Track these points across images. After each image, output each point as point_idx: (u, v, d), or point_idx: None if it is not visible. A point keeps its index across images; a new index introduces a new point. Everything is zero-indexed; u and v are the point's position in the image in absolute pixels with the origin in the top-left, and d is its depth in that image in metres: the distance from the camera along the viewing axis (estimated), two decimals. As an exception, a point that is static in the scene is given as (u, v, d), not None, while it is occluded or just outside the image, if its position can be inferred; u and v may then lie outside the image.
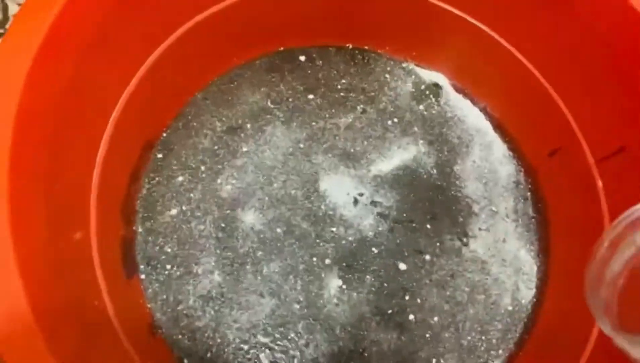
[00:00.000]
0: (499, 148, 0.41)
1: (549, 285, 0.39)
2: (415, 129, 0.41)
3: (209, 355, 0.34)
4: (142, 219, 0.36)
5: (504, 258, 0.38)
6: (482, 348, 0.36)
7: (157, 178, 0.37)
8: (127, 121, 0.38)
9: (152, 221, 0.36)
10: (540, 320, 0.38)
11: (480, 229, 0.38)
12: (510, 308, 0.37)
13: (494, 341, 0.36)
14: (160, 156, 0.37)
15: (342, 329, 0.35)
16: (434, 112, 0.42)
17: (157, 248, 0.35)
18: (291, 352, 0.34)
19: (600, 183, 0.36)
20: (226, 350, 0.34)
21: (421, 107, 0.42)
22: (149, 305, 0.34)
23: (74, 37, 0.32)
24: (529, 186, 0.41)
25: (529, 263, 0.38)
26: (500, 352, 0.36)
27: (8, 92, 0.25)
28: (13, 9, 0.44)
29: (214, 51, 0.44)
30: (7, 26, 0.47)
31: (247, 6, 0.39)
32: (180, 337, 0.37)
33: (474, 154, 0.41)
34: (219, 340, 0.34)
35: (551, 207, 0.40)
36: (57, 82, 0.30)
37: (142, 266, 0.34)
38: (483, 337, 0.36)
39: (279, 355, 0.36)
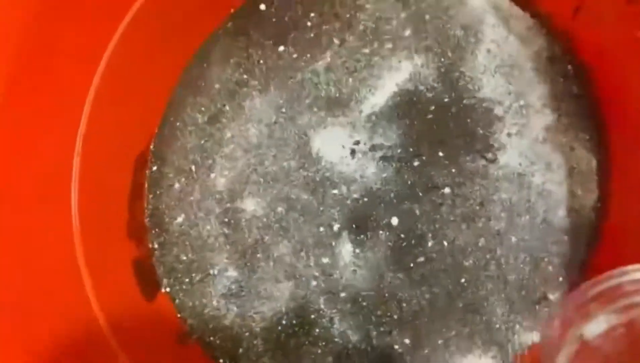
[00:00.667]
0: (519, 21, 0.35)
1: (615, 182, 0.32)
2: (406, 39, 0.37)
3: (240, 350, 0.36)
4: (154, 235, 0.39)
5: (548, 161, 0.33)
6: (537, 281, 0.33)
7: (157, 191, 0.40)
8: (97, 147, 0.41)
9: (164, 234, 0.39)
10: (611, 232, 0.33)
11: (509, 135, 0.34)
12: (566, 223, 0.32)
13: (550, 268, 0.32)
14: (155, 168, 0.39)
15: (365, 296, 0.35)
16: (426, 8, 0.37)
17: (174, 258, 0.38)
18: (316, 330, 0.35)
19: None
20: (254, 342, 0.37)
21: (409, 8, 0.37)
22: (179, 315, 0.37)
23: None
24: (569, 58, 0.33)
25: (584, 159, 0.33)
26: (561, 279, 0.32)
27: None
28: None
29: (172, 36, 0.45)
30: None
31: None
32: (212, 338, 0.42)
33: (486, 40, 0.36)
34: (247, 334, 0.36)
35: (601, 76, 0.33)
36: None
37: (165, 280, 0.38)
38: (535, 267, 0.32)
39: (303, 338, 0.41)
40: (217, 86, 0.48)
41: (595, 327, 0.25)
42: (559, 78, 0.40)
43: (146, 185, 0.47)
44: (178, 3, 0.44)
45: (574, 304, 0.26)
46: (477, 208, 0.40)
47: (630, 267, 0.25)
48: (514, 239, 0.39)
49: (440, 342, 0.39)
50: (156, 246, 0.46)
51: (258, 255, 0.44)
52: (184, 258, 0.46)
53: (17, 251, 0.35)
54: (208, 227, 0.46)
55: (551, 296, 0.38)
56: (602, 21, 0.35)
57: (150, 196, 0.47)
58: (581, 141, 0.39)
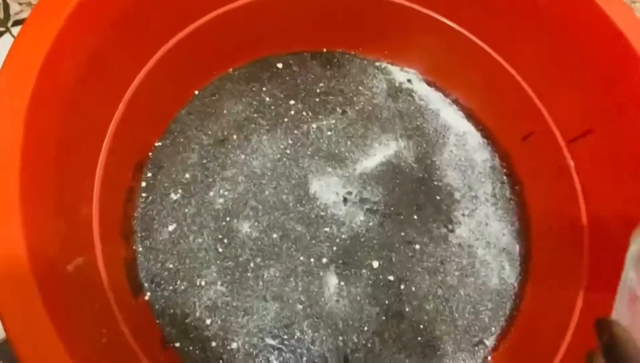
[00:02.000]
0: (473, 137, 0.45)
1: (532, 262, 0.43)
2: (394, 125, 0.44)
3: (221, 362, 0.36)
4: (140, 239, 0.38)
5: (488, 240, 0.42)
6: (477, 327, 0.40)
7: (150, 197, 0.39)
8: (118, 144, 0.42)
9: (150, 239, 0.38)
10: (527, 296, 0.43)
11: (463, 215, 0.42)
12: (498, 287, 0.41)
13: (486, 320, 0.40)
14: (150, 175, 0.39)
15: (344, 323, 0.38)
16: (410, 107, 0.46)
17: (159, 265, 0.38)
18: (299, 350, 0.37)
19: (572, 163, 0.40)
20: (237, 356, 0.37)
21: (397, 103, 0.46)
22: (157, 321, 0.36)
23: (68, 68, 0.35)
24: (505, 170, 0.44)
25: (511, 243, 0.42)
26: (493, 329, 0.40)
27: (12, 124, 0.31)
28: (14, 8, 0.45)
29: (194, 67, 0.49)
30: (8, 24, 0.51)
31: (224, 21, 0.42)
32: (191, 348, 0.38)
33: (450, 144, 0.45)
34: (228, 347, 0.36)
35: (527, 188, 0.44)
36: (55, 109, 0.34)
37: (146, 284, 0.37)
38: (476, 317, 0.40)
39: (287, 355, 0.38)
40: (226, 116, 0.49)
41: None
42: (497, 183, 0.53)
43: (138, 190, 0.45)
44: (196, 45, 0.47)
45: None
46: (438, 264, 0.48)
47: None
48: (462, 293, 0.47)
49: (402, 369, 0.44)
50: (140, 249, 0.43)
51: (248, 274, 0.44)
52: (170, 266, 0.43)
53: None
54: (200, 240, 0.45)
55: (486, 341, 0.47)
56: (542, 153, 0.49)
57: (141, 200, 0.45)
58: (509, 231, 0.51)
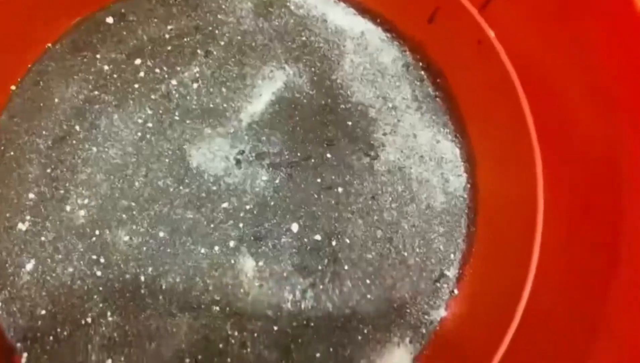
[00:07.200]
0: (373, 35, 0.37)
1: (477, 165, 0.35)
2: (275, 50, 0.36)
3: None
4: None
5: (420, 154, 0.35)
6: (433, 261, 0.33)
7: None
8: None
9: (8, 288, 0.29)
10: (482, 206, 0.35)
11: (384, 134, 0.34)
12: (445, 205, 0.34)
13: (441, 247, 0.33)
14: None
15: (276, 310, 0.31)
16: (288, 22, 0.37)
17: (29, 316, 0.30)
18: (228, 360, 0.29)
19: (491, 33, 0.31)
20: None
21: (271, 22, 0.37)
22: None
23: None
24: (420, 64, 0.36)
25: (449, 149, 0.35)
26: (452, 256, 0.33)
27: None
28: None
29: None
30: None
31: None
32: None
33: (348, 52, 0.36)
34: None
35: (450, 77, 0.37)
36: None
37: (19, 345, 0.28)
38: (429, 248, 0.33)
39: None
40: (60, 105, 0.40)
41: None
42: (415, 82, 0.45)
43: (-28, 231, 0.36)
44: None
45: None
46: (370, 202, 0.41)
47: None
48: (406, 226, 0.41)
49: (359, 338, 0.38)
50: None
51: (142, 292, 0.37)
52: (43, 312, 0.36)
53: None
54: (70, 269, 0.37)
55: (448, 273, 0.41)
56: (457, 31, 0.41)
57: (-20, 244, 0.36)
58: (443, 134, 0.44)
